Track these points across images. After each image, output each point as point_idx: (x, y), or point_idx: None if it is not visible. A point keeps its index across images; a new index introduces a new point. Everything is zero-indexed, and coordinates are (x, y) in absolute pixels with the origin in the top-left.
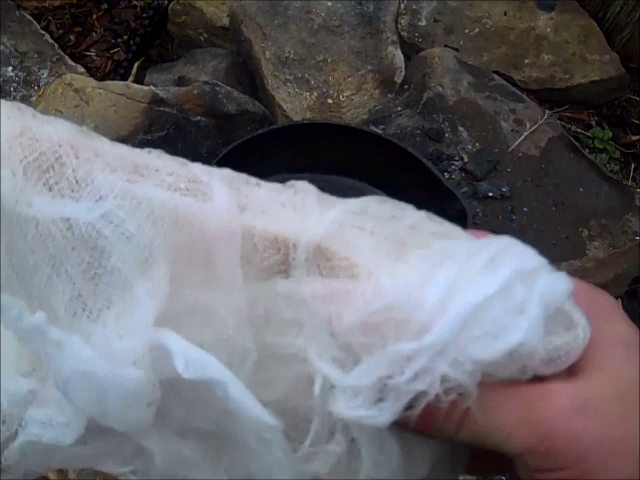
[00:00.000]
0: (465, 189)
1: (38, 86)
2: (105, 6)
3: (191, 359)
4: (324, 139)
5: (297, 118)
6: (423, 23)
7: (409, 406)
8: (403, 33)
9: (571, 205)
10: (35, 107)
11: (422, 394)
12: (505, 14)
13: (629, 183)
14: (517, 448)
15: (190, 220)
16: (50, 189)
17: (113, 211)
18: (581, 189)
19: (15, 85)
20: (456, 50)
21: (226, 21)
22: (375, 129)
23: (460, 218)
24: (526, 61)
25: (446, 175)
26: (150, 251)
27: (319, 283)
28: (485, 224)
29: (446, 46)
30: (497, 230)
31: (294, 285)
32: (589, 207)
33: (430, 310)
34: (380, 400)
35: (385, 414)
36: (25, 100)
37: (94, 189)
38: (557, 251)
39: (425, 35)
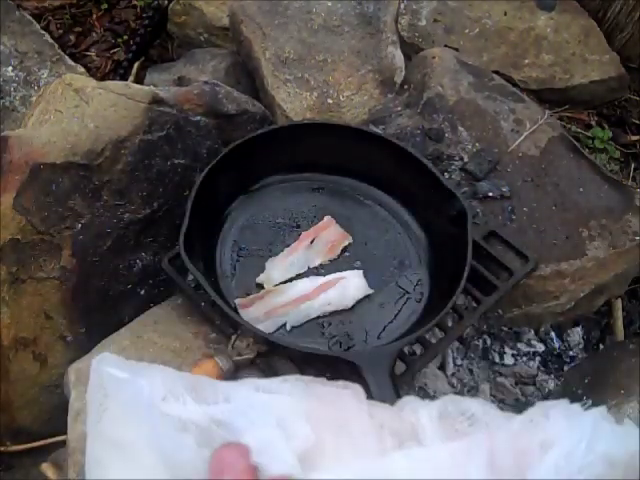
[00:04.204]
0: (465, 189)
1: (38, 86)
2: (105, 6)
3: None
4: (324, 139)
5: (297, 118)
6: (423, 23)
7: None
8: (403, 33)
9: (571, 205)
10: (35, 107)
11: None
12: (505, 14)
13: (629, 183)
14: None
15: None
16: None
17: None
18: (581, 189)
19: (15, 85)
20: (456, 50)
21: (226, 21)
22: (375, 129)
23: (460, 218)
24: (526, 61)
25: (446, 175)
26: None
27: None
28: (485, 224)
29: (446, 46)
30: (497, 230)
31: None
32: (589, 207)
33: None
34: None
35: None
36: (25, 100)
37: None
38: (557, 251)
39: (425, 35)
